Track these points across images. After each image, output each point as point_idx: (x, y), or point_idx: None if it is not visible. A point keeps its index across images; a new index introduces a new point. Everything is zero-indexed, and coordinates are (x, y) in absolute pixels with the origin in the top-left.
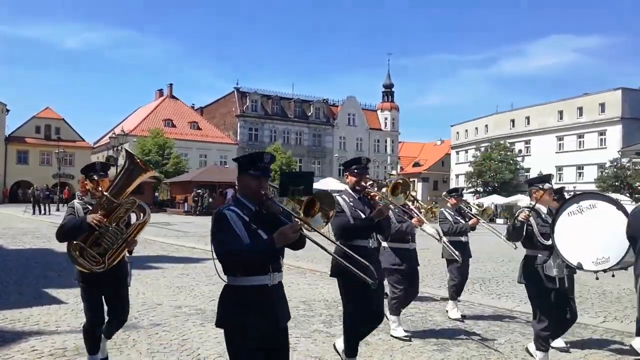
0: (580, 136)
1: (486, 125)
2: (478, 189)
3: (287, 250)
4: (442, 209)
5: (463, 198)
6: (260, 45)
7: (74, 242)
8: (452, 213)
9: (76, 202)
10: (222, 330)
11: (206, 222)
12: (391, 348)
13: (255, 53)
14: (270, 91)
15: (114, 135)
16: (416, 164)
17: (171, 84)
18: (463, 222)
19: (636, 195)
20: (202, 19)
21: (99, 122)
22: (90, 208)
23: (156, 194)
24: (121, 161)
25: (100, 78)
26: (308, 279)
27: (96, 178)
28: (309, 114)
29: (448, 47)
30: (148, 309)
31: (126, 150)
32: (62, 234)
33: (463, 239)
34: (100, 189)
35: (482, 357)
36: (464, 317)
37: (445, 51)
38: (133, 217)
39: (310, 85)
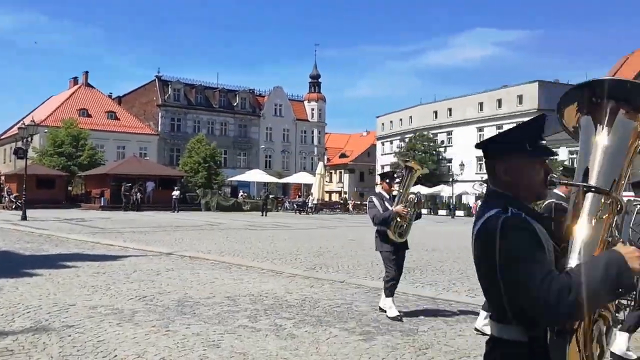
0: (499, 127)
1: (410, 117)
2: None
3: (209, 245)
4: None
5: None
6: (184, 33)
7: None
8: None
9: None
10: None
11: (129, 217)
12: (317, 340)
13: (178, 41)
14: (194, 80)
15: (22, 126)
16: (343, 155)
17: (87, 72)
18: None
19: None
20: (122, 3)
21: (6, 113)
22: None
23: (69, 188)
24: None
25: (7, 65)
26: (233, 273)
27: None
28: (235, 104)
29: (375, 39)
30: (60, 310)
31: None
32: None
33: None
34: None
35: (406, 345)
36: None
37: (373, 43)
38: None
39: (236, 75)
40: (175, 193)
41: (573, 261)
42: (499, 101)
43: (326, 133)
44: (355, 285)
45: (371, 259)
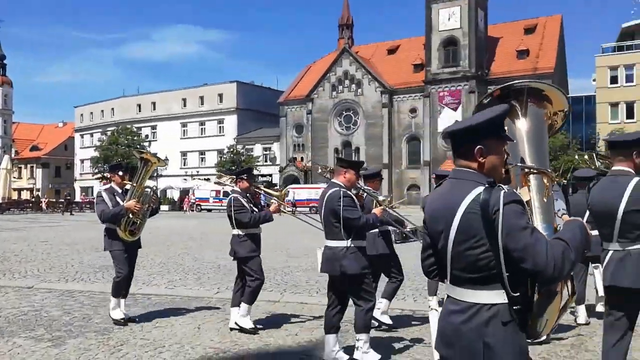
0: (202, 123)
1: (112, 109)
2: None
3: None
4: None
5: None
6: None
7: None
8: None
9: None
10: None
11: None
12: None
13: None
14: None
15: None
16: (34, 148)
17: None
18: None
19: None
20: None
21: None
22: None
23: None
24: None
25: None
26: None
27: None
28: None
29: (75, 21)
30: None
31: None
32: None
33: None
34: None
35: (100, 344)
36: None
37: (72, 25)
38: None
39: None
40: None
41: (539, 228)
42: (202, 98)
43: (13, 122)
44: (46, 290)
45: (67, 260)
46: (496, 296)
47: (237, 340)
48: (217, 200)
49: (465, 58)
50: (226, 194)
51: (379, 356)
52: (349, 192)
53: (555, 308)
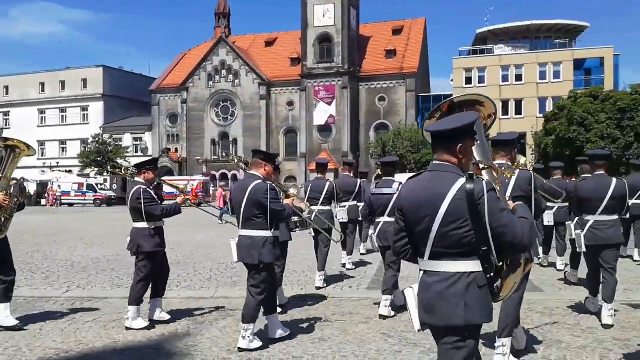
0: (63, 110)
1: None
2: None
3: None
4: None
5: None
6: None
7: None
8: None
9: None
10: None
11: None
12: None
13: None
14: None
15: None
16: None
17: None
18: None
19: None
20: None
21: None
22: None
23: None
24: None
25: None
26: None
27: None
28: None
29: None
30: None
31: None
32: None
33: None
34: None
35: None
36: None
37: None
38: None
39: None
40: None
41: None
42: (62, 83)
43: None
44: None
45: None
46: (474, 266)
47: (82, 340)
48: (80, 194)
49: (339, 55)
50: (91, 187)
51: (261, 343)
52: (273, 184)
53: (518, 276)
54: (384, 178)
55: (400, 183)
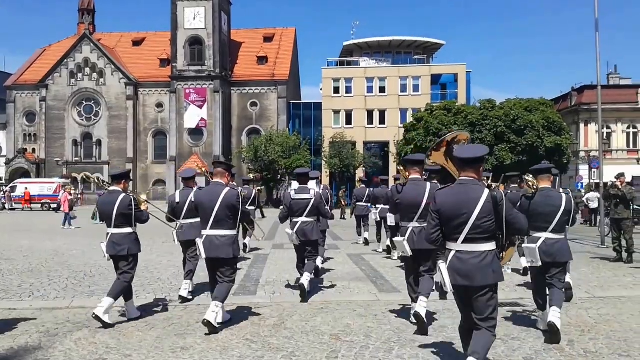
0: None
1: None
2: None
3: None
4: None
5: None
6: None
7: None
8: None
9: None
10: None
11: None
12: None
13: None
14: None
15: None
16: None
17: None
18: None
19: None
20: None
21: None
22: None
23: None
24: None
25: None
26: None
27: None
28: None
29: None
30: None
31: None
32: None
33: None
34: None
35: None
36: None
37: None
38: None
39: None
40: None
41: None
42: None
43: None
44: None
45: None
46: (493, 245)
47: None
48: None
49: (210, 58)
50: None
51: (230, 316)
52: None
53: (512, 250)
54: (300, 186)
55: (316, 190)
